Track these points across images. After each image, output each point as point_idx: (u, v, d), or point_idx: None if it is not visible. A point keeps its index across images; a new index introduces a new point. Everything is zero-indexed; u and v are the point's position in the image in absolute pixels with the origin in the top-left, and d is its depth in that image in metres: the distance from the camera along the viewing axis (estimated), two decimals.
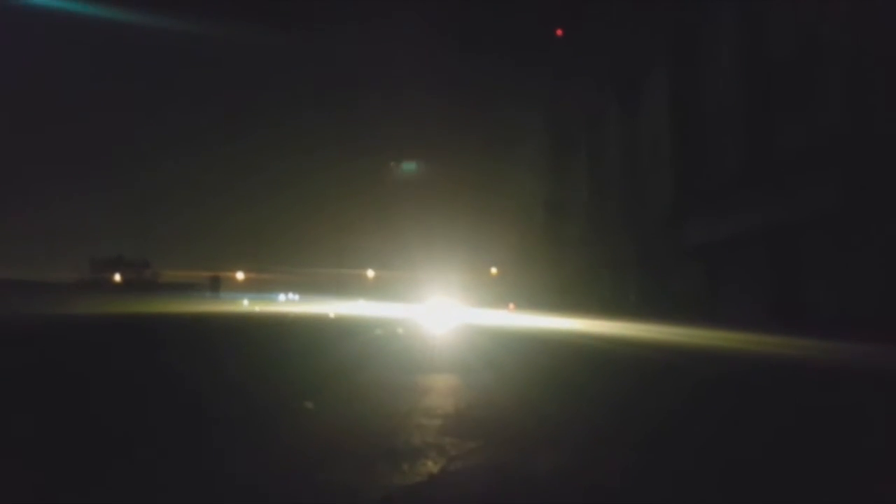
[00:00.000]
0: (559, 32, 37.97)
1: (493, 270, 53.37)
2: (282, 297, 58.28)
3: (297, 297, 57.50)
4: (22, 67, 47.17)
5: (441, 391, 6.82)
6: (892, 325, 13.35)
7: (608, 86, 35.16)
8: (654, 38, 28.67)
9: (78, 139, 67.20)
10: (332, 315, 26.79)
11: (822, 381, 8.53)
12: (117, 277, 63.27)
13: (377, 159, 52.93)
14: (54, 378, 7.75)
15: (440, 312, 28.05)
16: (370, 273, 56.87)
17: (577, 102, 40.44)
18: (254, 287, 57.20)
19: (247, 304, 44.59)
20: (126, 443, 4.48)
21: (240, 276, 58.28)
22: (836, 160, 16.47)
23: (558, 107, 43.55)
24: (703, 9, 24.74)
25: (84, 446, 4.39)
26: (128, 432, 4.79)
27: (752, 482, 3.70)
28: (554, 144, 45.78)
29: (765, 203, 19.40)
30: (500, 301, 42.30)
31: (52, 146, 66.12)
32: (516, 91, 43.71)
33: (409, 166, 50.25)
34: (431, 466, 3.85)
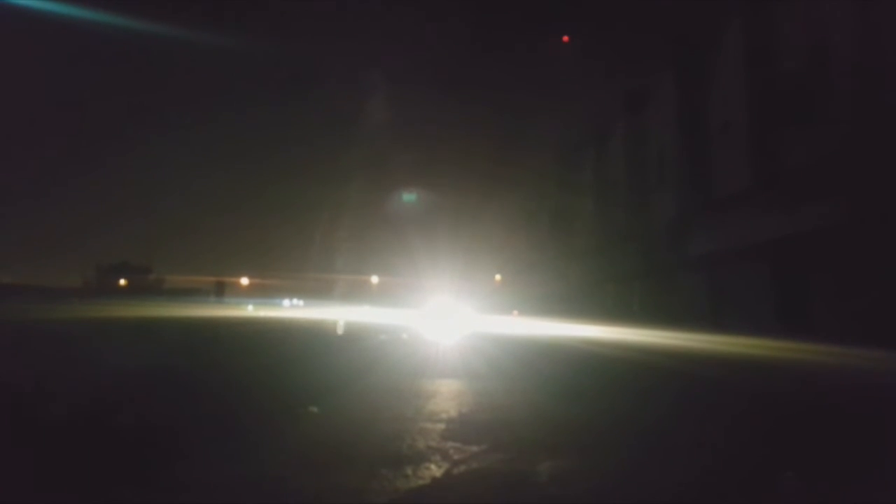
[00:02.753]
0: (565, 39, 38.06)
1: (497, 277, 53.36)
2: (286, 302, 58.28)
3: (301, 302, 57.52)
4: (25, 73, 47.19)
5: (445, 395, 6.85)
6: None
7: (615, 97, 35.20)
8: (662, 51, 28.72)
9: (83, 147, 67.54)
10: (336, 320, 26.85)
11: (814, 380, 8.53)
12: (122, 282, 63.64)
13: (384, 182, 52.42)
14: (63, 378, 7.80)
15: (443, 318, 28.04)
16: (375, 279, 56.92)
17: (584, 113, 40.46)
18: (258, 292, 57.29)
19: (251, 310, 44.64)
20: (130, 446, 4.52)
21: (244, 281, 58.46)
22: (842, 174, 16.46)
23: (566, 116, 43.57)
24: (710, 23, 24.79)
25: (89, 445, 4.43)
26: (129, 437, 4.84)
27: (753, 480, 3.72)
28: (561, 153, 45.80)
29: (770, 216, 19.39)
30: (504, 307, 42.27)
31: (59, 154, 66.49)
32: (524, 101, 43.74)
33: (409, 197, 49.13)
34: (435, 470, 3.89)
